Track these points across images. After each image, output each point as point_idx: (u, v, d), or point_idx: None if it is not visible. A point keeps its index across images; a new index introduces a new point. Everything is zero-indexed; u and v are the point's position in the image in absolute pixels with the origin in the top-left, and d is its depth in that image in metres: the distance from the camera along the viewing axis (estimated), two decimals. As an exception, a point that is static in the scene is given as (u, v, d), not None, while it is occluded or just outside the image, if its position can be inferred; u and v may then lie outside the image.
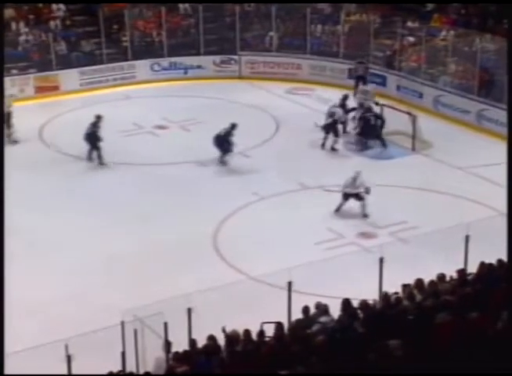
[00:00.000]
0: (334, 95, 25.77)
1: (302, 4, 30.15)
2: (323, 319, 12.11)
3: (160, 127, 25.12)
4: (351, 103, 24.88)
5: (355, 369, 10.26)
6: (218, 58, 30.25)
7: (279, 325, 11.77)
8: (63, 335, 11.54)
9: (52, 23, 29.46)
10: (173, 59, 30.04)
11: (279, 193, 20.38)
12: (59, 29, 29.55)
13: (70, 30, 29.63)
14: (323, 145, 23.23)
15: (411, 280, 12.95)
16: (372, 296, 12.73)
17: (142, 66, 29.67)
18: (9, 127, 23.75)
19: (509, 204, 13.65)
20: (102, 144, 22.08)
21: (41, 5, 30.07)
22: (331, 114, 23.25)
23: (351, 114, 24.30)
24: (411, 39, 28.37)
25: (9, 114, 23.65)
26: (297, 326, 12.06)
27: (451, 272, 13.25)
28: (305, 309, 12.41)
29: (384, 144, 23.15)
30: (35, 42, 28.89)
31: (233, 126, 21.81)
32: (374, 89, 25.99)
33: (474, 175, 21.23)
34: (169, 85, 29.26)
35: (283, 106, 26.96)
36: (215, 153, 22.08)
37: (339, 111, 23.46)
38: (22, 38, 28.73)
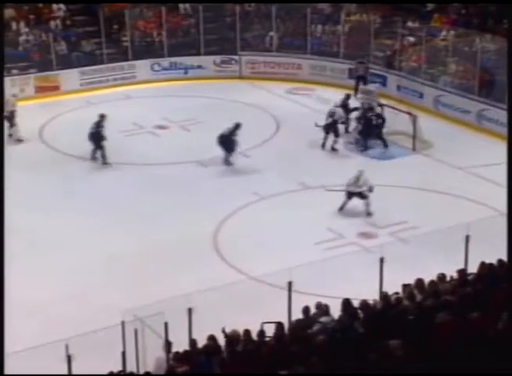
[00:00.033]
0: (334, 96, 25.80)
1: (302, 4, 30.16)
2: (324, 319, 12.10)
3: (161, 127, 25.12)
4: (353, 102, 24.86)
5: (355, 369, 10.26)
6: (218, 58, 30.25)
7: (279, 325, 11.77)
8: (64, 335, 11.53)
9: (52, 23, 29.47)
10: (173, 59, 30.04)
11: (279, 193, 20.37)
12: (59, 29, 29.57)
13: (70, 30, 29.64)
14: (323, 145, 23.23)
15: (411, 280, 12.94)
16: (372, 296, 12.71)
17: (142, 66, 29.67)
18: (13, 126, 23.79)
19: (509, 204, 13.64)
20: (104, 143, 22.10)
21: (41, 5, 30.08)
22: (331, 114, 23.25)
23: (354, 114, 24.28)
24: (411, 39, 28.36)
25: (13, 113, 23.71)
26: (297, 326, 12.05)
27: (451, 272, 13.24)
28: (305, 310, 12.40)
29: (385, 144, 23.16)
30: (35, 42, 28.91)
31: (237, 126, 21.83)
32: (377, 89, 25.97)
33: (474, 175, 21.23)
34: (169, 85, 29.26)
35: (283, 106, 26.96)
36: (215, 153, 22.09)
37: (339, 111, 23.45)
38: (22, 38, 28.74)
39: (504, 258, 12.78)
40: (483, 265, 13.19)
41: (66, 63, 28.83)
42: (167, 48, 30.14)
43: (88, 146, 22.32)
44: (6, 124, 23.68)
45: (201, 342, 11.58)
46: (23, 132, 23.97)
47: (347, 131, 24.17)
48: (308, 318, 12.31)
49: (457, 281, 12.97)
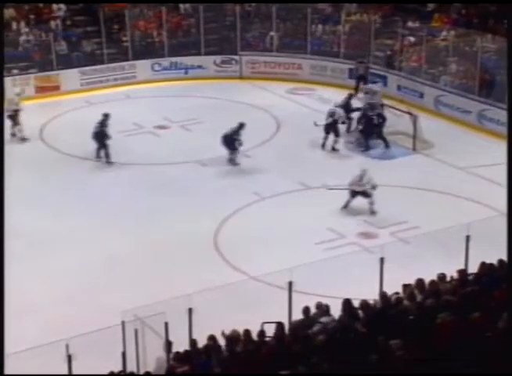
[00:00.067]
0: (335, 95, 25.81)
1: (303, 4, 30.15)
2: (324, 319, 12.09)
3: (161, 127, 25.11)
4: (355, 102, 24.85)
5: (355, 369, 10.26)
6: (218, 58, 30.25)
7: (279, 325, 11.76)
8: (64, 335, 11.54)
9: (52, 23, 29.46)
10: (174, 59, 30.03)
11: (279, 193, 20.37)
12: (59, 29, 29.54)
13: (70, 30, 29.63)
14: (323, 145, 23.23)
15: (412, 280, 12.93)
16: (372, 296, 12.71)
17: (142, 66, 29.66)
18: (16, 125, 23.82)
19: (509, 204, 13.62)
20: (108, 142, 22.12)
21: (41, 4, 30.07)
22: (331, 114, 23.23)
23: (355, 114, 24.26)
24: (412, 39, 28.34)
25: (17, 112, 23.74)
26: (297, 326, 12.05)
27: (451, 272, 13.24)
28: (306, 310, 12.39)
29: (387, 144, 23.15)
30: (36, 42, 28.90)
31: (241, 125, 21.84)
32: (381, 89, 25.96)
33: (474, 175, 21.23)
34: (170, 85, 29.25)
35: (283, 106, 26.95)
36: (216, 153, 22.12)
37: (339, 111, 23.44)
38: (22, 38, 28.74)
39: (504, 258, 12.77)
40: (483, 265, 13.20)
41: (66, 63, 28.82)
42: (168, 48, 30.13)
43: (89, 146, 22.34)
44: (9, 123, 23.73)
45: (201, 342, 11.58)
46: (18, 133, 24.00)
47: (348, 130, 24.17)
48: (309, 318, 12.30)
49: (457, 281, 12.97)
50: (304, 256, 16.10)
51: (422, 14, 29.38)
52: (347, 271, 15.67)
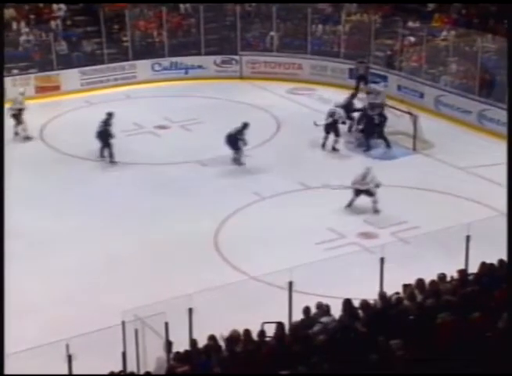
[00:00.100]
0: (335, 95, 25.81)
1: (303, 4, 30.15)
2: (324, 319, 12.09)
3: (161, 127, 25.11)
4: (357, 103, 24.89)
5: (356, 369, 10.26)
6: (218, 58, 30.24)
7: (279, 325, 11.76)
8: (64, 335, 11.53)
9: (52, 23, 29.45)
10: (174, 59, 30.03)
11: (279, 193, 20.37)
12: (59, 29, 29.53)
13: (70, 30, 29.62)
14: (324, 145, 23.22)
15: (412, 280, 12.94)
16: (373, 296, 12.70)
17: (142, 66, 29.66)
18: (20, 124, 23.84)
19: (509, 204, 13.63)
20: (112, 141, 22.14)
21: (41, 4, 30.05)
22: (331, 114, 23.22)
23: (356, 114, 24.24)
24: (412, 39, 28.34)
25: (21, 111, 23.77)
26: (297, 326, 12.04)
27: (452, 272, 13.24)
28: (306, 310, 12.39)
29: (388, 144, 23.14)
30: (36, 42, 28.89)
31: (245, 125, 21.85)
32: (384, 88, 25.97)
33: (475, 175, 21.23)
34: (170, 85, 29.25)
35: (283, 106, 26.94)
36: (216, 153, 22.13)
37: (339, 111, 23.43)
38: (23, 38, 28.73)
39: (504, 258, 12.77)
40: (483, 265, 13.20)
41: (66, 63, 28.81)
42: (168, 48, 30.12)
43: (89, 146, 22.39)
44: (13, 122, 23.75)
45: (202, 342, 11.58)
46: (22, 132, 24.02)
47: (350, 130, 24.17)
48: (309, 318, 12.30)
49: (458, 281, 12.97)
50: (304, 256, 16.10)
51: (422, 14, 29.37)
52: (348, 271, 15.67)
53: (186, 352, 11.51)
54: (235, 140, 21.86)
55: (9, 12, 28.82)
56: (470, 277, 13.17)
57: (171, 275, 16.39)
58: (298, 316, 12.49)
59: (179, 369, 11.03)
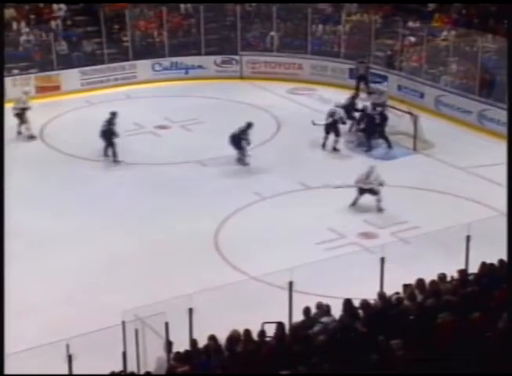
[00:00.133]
0: (335, 95, 25.82)
1: (303, 4, 30.15)
2: (324, 319, 12.09)
3: (161, 127, 25.11)
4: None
5: (356, 369, 10.26)
6: (219, 58, 30.24)
7: (280, 325, 11.76)
8: (64, 335, 11.54)
9: (53, 23, 29.45)
10: (174, 59, 30.03)
11: (280, 193, 20.37)
12: (60, 29, 29.53)
13: (71, 30, 29.62)
14: (324, 145, 23.22)
15: (412, 280, 12.94)
16: (373, 296, 12.69)
17: (143, 66, 29.66)
18: (23, 123, 23.85)
19: (509, 204, 13.64)
20: (116, 141, 22.15)
21: (42, 4, 30.05)
22: (331, 114, 23.23)
23: (357, 114, 24.25)
24: (412, 39, 28.34)
25: (24, 110, 23.78)
26: (298, 326, 12.04)
27: (452, 272, 13.24)
28: (306, 310, 12.39)
29: (389, 145, 23.12)
30: (36, 42, 28.89)
31: (249, 125, 21.86)
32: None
33: (475, 175, 21.22)
34: (170, 85, 29.25)
35: (284, 106, 26.94)
36: (216, 153, 22.14)
37: (339, 111, 23.43)
38: (23, 38, 28.73)
39: (504, 258, 12.78)
40: (484, 265, 13.20)
41: (66, 63, 28.81)
42: (168, 48, 30.12)
43: (89, 146, 22.46)
44: (16, 121, 23.75)
45: (202, 342, 11.58)
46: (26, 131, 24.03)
47: (351, 130, 24.16)
48: (309, 318, 12.30)
49: (458, 281, 12.97)
50: (304, 256, 16.10)
51: (422, 14, 29.37)
52: (348, 271, 15.67)
53: (186, 352, 11.51)
54: (238, 140, 21.86)
55: (9, 12, 28.82)
56: (471, 277, 13.17)
57: (171, 275, 16.38)
58: (298, 316, 12.49)
59: (179, 369, 11.03)
